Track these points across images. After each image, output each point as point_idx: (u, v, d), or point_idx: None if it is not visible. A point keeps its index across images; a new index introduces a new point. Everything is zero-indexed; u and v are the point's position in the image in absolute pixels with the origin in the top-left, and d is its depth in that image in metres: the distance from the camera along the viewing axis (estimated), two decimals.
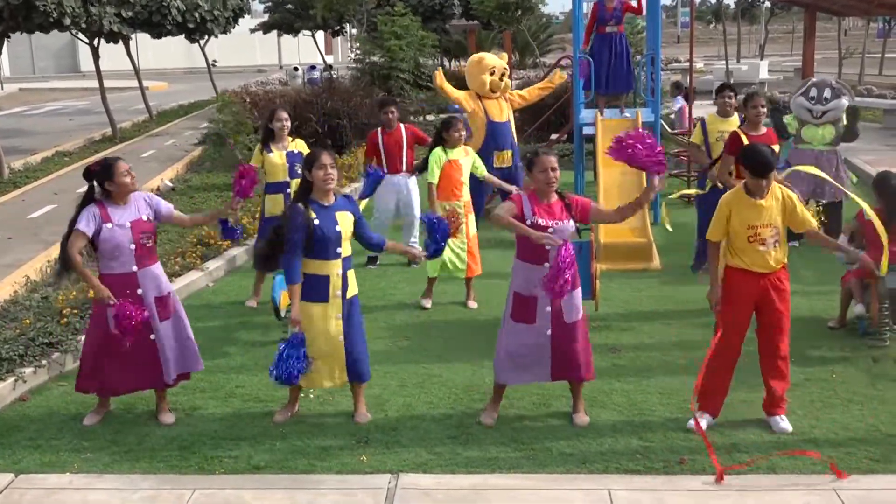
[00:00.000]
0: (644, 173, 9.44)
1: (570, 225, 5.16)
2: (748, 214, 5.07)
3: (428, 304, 7.74)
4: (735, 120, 8.18)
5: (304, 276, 5.24)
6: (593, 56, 10.53)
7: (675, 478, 4.71)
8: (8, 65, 45.61)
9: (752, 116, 7.36)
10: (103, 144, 18.31)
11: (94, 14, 15.94)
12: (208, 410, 5.69)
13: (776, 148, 7.32)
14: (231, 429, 5.41)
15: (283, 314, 6.72)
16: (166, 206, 5.50)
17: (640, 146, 4.93)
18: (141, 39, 24.29)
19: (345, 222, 5.24)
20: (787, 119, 9.56)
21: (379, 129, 8.91)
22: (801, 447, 4.99)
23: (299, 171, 7.45)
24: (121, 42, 18.89)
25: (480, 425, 5.37)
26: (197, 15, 21.04)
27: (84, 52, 32.87)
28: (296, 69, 27.70)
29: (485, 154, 9.68)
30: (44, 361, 6.27)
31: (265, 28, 30.48)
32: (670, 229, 8.31)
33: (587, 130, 10.89)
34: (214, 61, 25.54)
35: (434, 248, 5.65)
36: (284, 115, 7.76)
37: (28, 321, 6.77)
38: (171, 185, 13.15)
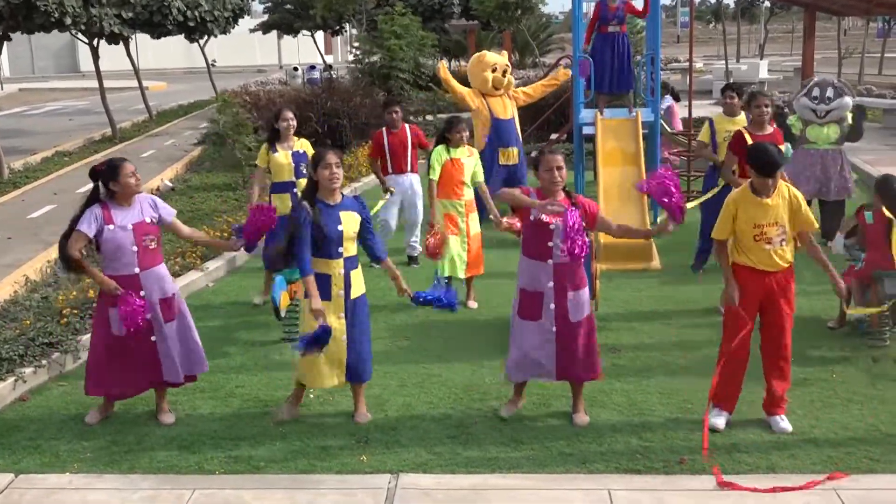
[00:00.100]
0: (645, 176, 9.51)
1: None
2: (754, 213, 5.08)
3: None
4: (742, 119, 8.18)
5: None
6: (595, 55, 10.52)
7: (675, 478, 4.71)
8: (8, 65, 45.61)
9: (756, 116, 7.36)
10: (103, 144, 18.32)
11: (94, 15, 15.94)
12: (208, 410, 5.69)
13: (783, 148, 7.31)
14: (231, 429, 5.41)
15: (283, 314, 6.72)
16: (169, 213, 5.50)
17: (675, 190, 5.01)
18: (141, 39, 24.30)
19: (349, 222, 5.23)
20: (790, 120, 9.57)
21: (384, 129, 8.93)
22: (801, 447, 4.99)
23: (305, 171, 7.51)
24: (121, 42, 18.88)
25: (484, 423, 5.37)
26: (197, 14, 21.04)
27: (84, 52, 32.87)
28: (295, 69, 27.71)
29: (490, 151, 9.69)
30: (44, 361, 6.27)
31: (265, 28, 30.49)
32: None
33: (587, 130, 10.88)
34: (214, 61, 25.54)
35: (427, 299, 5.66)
36: (290, 114, 7.75)
37: (28, 321, 6.77)
38: (170, 184, 13.16)
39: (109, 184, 5.25)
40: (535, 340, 5.27)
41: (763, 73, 24.36)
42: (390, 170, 8.94)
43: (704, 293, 7.79)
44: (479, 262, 7.75)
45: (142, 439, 5.30)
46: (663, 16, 11.22)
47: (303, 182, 7.53)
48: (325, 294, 5.25)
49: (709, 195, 7.96)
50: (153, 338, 5.38)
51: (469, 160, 7.70)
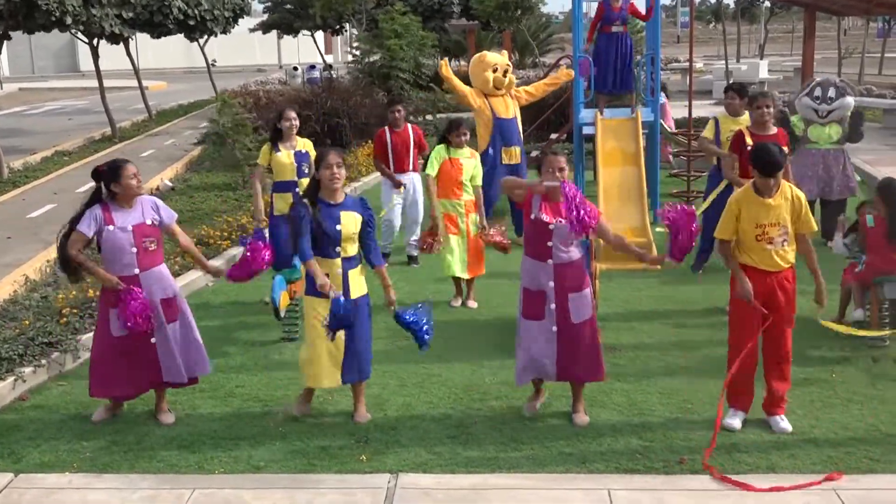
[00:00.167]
0: (645, 180, 9.53)
1: None
2: (757, 213, 5.08)
3: (457, 303, 7.78)
4: (746, 119, 8.17)
5: (307, 272, 5.29)
6: (598, 56, 10.50)
7: (675, 478, 4.71)
8: (7, 64, 45.63)
9: (758, 117, 7.36)
10: (103, 144, 18.31)
11: (95, 16, 15.93)
12: (208, 410, 5.69)
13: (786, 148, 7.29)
14: (230, 428, 5.41)
15: (282, 314, 6.73)
16: (170, 216, 5.49)
17: (692, 232, 5.04)
18: (140, 39, 24.29)
19: (348, 222, 5.22)
20: (793, 120, 9.58)
21: (386, 128, 8.94)
22: (801, 447, 4.99)
23: (307, 171, 7.53)
24: (121, 42, 18.88)
25: (484, 423, 5.37)
26: (197, 12, 21.03)
27: (83, 51, 32.88)
28: (295, 69, 27.72)
29: (493, 151, 9.69)
30: (43, 361, 6.27)
31: (264, 28, 30.48)
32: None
33: (587, 130, 10.89)
34: (214, 61, 25.53)
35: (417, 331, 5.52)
36: (292, 114, 7.75)
37: (28, 321, 6.76)
38: (170, 184, 13.15)
39: (111, 185, 5.24)
40: (539, 340, 5.27)
41: (763, 73, 24.35)
42: (392, 169, 8.95)
43: (704, 293, 7.79)
44: (480, 263, 7.74)
45: (142, 439, 5.30)
46: (663, 16, 11.23)
47: (304, 182, 7.54)
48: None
49: (715, 194, 7.95)
50: (153, 339, 5.37)
51: (469, 162, 7.71)
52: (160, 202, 5.49)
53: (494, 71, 9.84)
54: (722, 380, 5.85)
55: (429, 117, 17.62)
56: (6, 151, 15.41)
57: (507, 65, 10.04)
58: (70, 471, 4.92)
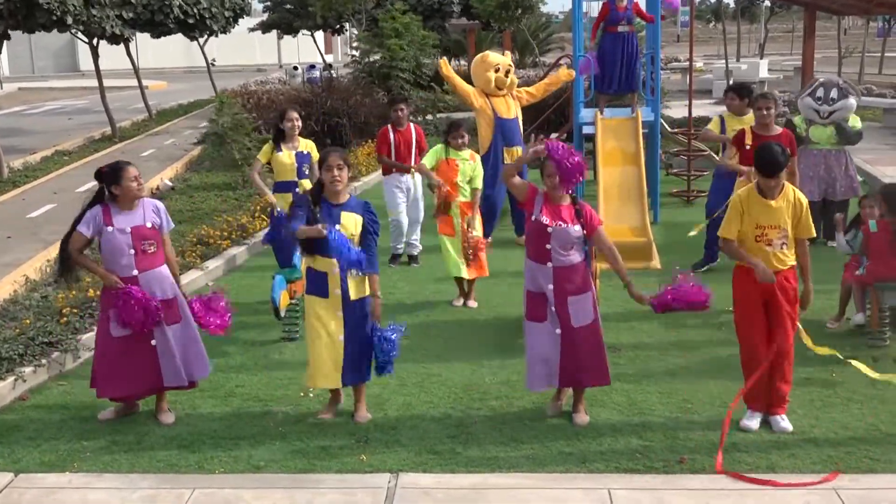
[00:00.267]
0: (645, 180, 9.54)
1: (573, 229, 5.16)
2: (758, 214, 5.08)
3: (459, 303, 7.77)
4: (750, 118, 8.19)
5: (307, 271, 5.33)
6: (606, 56, 10.48)
7: (675, 477, 4.71)
8: (7, 64, 45.59)
9: (759, 118, 7.38)
10: (103, 144, 18.30)
11: (95, 16, 15.92)
12: (208, 410, 5.69)
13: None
14: (231, 428, 5.41)
15: (282, 313, 6.73)
16: (168, 225, 5.49)
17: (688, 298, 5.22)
18: (141, 39, 24.28)
19: (348, 223, 5.22)
20: (796, 120, 9.58)
21: (389, 126, 8.95)
22: (801, 447, 5.00)
23: (307, 172, 7.55)
24: (121, 42, 18.86)
25: (484, 422, 5.38)
26: (196, 10, 21.01)
27: (83, 51, 32.87)
28: (295, 68, 27.70)
29: (495, 151, 9.69)
30: (43, 361, 6.27)
31: (264, 28, 30.44)
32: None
33: (587, 130, 10.88)
34: (213, 60, 25.51)
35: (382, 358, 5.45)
36: (294, 114, 7.76)
37: (28, 320, 6.76)
38: (170, 184, 13.15)
39: (112, 187, 5.25)
40: (544, 342, 5.26)
41: (763, 73, 24.34)
42: (393, 168, 8.95)
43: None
44: (481, 265, 7.70)
45: (141, 439, 5.30)
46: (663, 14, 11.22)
47: (305, 182, 7.56)
48: (323, 292, 5.28)
49: (720, 211, 8.01)
50: (153, 341, 5.37)
51: (467, 164, 7.72)
52: (163, 207, 5.49)
53: (496, 71, 9.84)
54: (722, 380, 5.88)
55: (429, 117, 17.61)
56: (6, 151, 15.40)
57: (509, 65, 10.05)
58: (70, 470, 4.92)
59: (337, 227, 5.16)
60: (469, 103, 9.96)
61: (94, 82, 20.31)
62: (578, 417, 5.38)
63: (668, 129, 14.03)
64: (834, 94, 9.24)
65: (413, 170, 8.82)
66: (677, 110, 16.78)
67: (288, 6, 28.64)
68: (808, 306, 5.36)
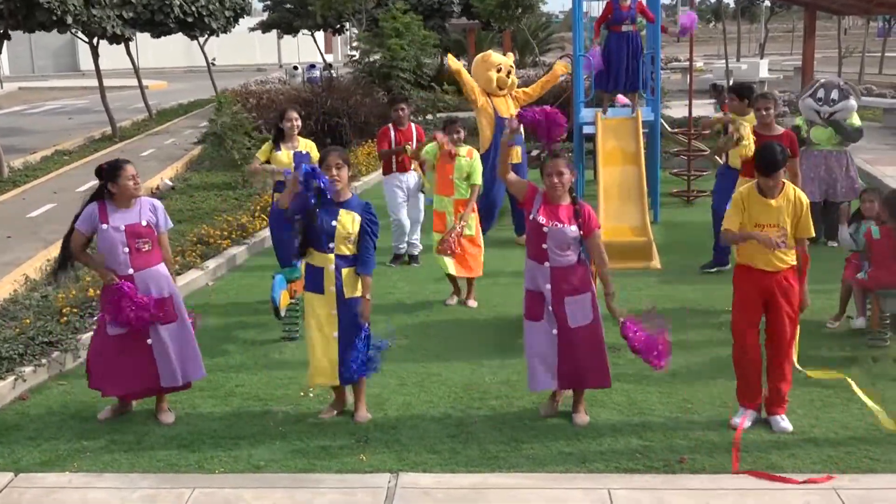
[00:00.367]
0: (645, 179, 9.55)
1: (569, 229, 5.15)
2: (758, 213, 5.09)
3: (452, 301, 7.77)
4: (752, 118, 8.20)
5: (306, 267, 5.35)
6: (611, 55, 10.49)
7: (675, 477, 4.71)
8: (7, 64, 45.57)
9: (759, 119, 7.38)
10: (103, 143, 18.30)
11: (95, 16, 15.92)
12: (208, 410, 5.69)
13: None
14: (230, 428, 5.41)
15: (282, 313, 6.73)
16: (165, 223, 5.48)
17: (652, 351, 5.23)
18: (141, 38, 24.26)
19: (346, 221, 5.23)
20: (797, 121, 9.58)
21: (390, 125, 8.95)
22: (801, 446, 5.00)
23: None
24: (121, 42, 18.85)
25: (484, 422, 5.38)
26: (195, 9, 20.99)
27: (83, 50, 32.87)
28: (295, 68, 27.70)
29: (496, 150, 9.70)
30: (43, 360, 6.27)
31: (264, 27, 30.43)
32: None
33: (587, 129, 10.88)
34: (214, 60, 25.50)
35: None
36: (294, 114, 7.78)
37: (28, 320, 6.76)
38: (170, 183, 13.14)
39: (109, 184, 5.26)
40: (542, 342, 5.26)
41: (763, 73, 24.34)
42: (394, 168, 8.95)
43: (704, 293, 7.78)
44: (475, 265, 7.67)
45: (141, 438, 5.30)
46: (663, 15, 11.22)
47: None
48: (318, 287, 5.30)
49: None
50: (149, 340, 5.36)
51: (463, 160, 7.71)
52: (160, 206, 5.49)
53: (498, 71, 9.85)
54: (722, 380, 5.87)
55: (429, 117, 17.61)
56: (6, 151, 15.40)
57: (511, 65, 10.08)
58: (70, 470, 4.92)
59: (333, 222, 5.19)
60: (473, 99, 9.98)
61: (94, 82, 20.31)
62: (578, 417, 5.38)
63: (668, 129, 14.03)
64: (834, 94, 9.24)
65: (409, 149, 8.78)
66: (677, 110, 16.77)
67: (288, 6, 28.62)
68: (804, 308, 5.35)
